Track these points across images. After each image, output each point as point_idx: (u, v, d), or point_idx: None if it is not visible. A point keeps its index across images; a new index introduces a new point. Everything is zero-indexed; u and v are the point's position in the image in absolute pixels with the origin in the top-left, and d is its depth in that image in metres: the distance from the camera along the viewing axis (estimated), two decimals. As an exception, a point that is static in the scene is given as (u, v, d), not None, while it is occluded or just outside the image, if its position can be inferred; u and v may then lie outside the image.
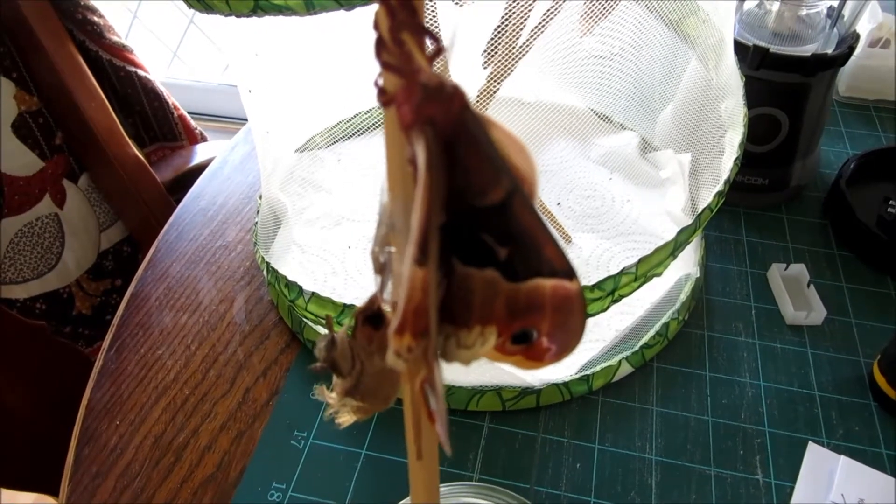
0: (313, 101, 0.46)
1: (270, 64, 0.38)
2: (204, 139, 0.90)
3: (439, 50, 0.13)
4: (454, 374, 0.42)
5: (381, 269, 0.16)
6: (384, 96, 0.13)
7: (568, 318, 0.16)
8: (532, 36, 0.42)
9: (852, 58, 0.52)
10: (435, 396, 0.16)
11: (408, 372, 0.19)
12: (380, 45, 0.13)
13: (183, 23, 1.81)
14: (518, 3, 0.40)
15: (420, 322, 0.14)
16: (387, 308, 0.17)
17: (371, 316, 0.17)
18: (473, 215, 0.15)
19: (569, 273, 0.15)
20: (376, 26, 0.13)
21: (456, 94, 0.13)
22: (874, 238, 0.51)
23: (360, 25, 0.23)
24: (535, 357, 0.17)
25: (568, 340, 0.16)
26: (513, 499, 0.28)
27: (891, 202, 0.53)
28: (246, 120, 0.47)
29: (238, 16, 0.29)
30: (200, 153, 0.86)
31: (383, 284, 0.17)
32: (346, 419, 0.19)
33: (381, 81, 0.13)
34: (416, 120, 0.13)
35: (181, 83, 1.77)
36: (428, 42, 0.13)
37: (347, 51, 0.39)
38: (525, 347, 0.16)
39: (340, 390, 0.18)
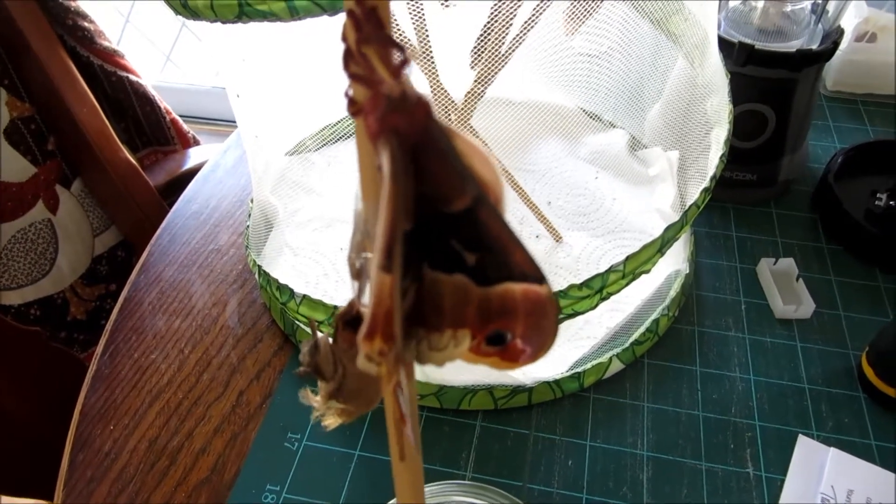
0: (302, 105, 0.46)
1: (257, 69, 0.38)
2: (197, 143, 0.90)
3: (405, 61, 0.13)
4: (446, 373, 0.42)
5: (358, 274, 0.17)
6: (353, 106, 0.14)
7: (541, 321, 0.16)
8: (519, 36, 0.42)
9: (839, 52, 0.52)
10: (404, 400, 0.16)
11: (386, 375, 0.19)
12: (347, 57, 0.13)
13: (176, 26, 1.80)
14: (504, 4, 0.41)
15: (389, 326, 0.14)
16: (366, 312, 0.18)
17: (350, 320, 0.18)
18: (442, 222, 0.15)
19: (539, 278, 0.16)
20: (344, 38, 0.13)
21: (419, 105, 0.13)
22: (862, 231, 0.51)
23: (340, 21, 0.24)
24: (511, 358, 0.17)
25: (542, 342, 0.17)
26: (503, 497, 0.28)
27: (878, 195, 0.53)
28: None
29: (224, 22, 0.29)
30: (193, 157, 0.86)
31: (361, 290, 0.17)
32: (331, 422, 0.19)
33: (350, 92, 0.14)
34: (381, 129, 0.13)
35: (174, 86, 1.77)
36: (396, 53, 0.13)
37: (333, 55, 0.40)
38: (500, 349, 0.17)
39: (324, 393, 0.19)
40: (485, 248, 0.15)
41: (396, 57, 0.13)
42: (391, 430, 0.21)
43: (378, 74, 0.13)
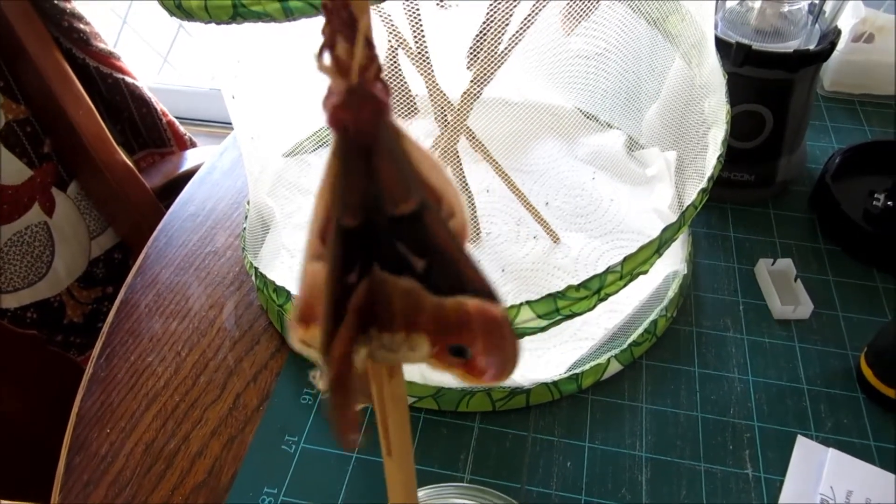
0: (298, 106, 0.46)
1: (253, 70, 0.38)
2: (193, 145, 0.90)
3: (372, 58, 0.13)
4: (444, 375, 0.42)
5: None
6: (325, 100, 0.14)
7: (501, 343, 0.16)
8: (516, 35, 0.42)
9: (836, 53, 0.52)
10: (336, 391, 0.16)
11: (372, 371, 0.19)
12: (320, 50, 0.13)
13: (172, 28, 1.80)
14: (500, 4, 0.41)
15: (314, 314, 0.15)
16: None
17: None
18: (390, 223, 0.15)
19: (491, 296, 0.16)
20: (322, 31, 0.13)
21: (368, 104, 0.13)
22: (860, 231, 0.51)
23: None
24: (474, 374, 0.17)
25: (503, 364, 0.17)
26: (499, 499, 0.28)
27: (876, 195, 0.53)
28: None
29: (218, 23, 0.29)
30: (190, 159, 0.86)
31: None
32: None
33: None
34: (330, 123, 0.14)
35: (171, 88, 1.77)
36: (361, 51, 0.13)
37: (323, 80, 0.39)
38: (464, 362, 0.17)
39: (325, 383, 0.19)
40: (432, 254, 0.15)
41: (361, 54, 0.13)
42: (379, 425, 0.21)
43: (339, 69, 0.13)
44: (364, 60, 0.13)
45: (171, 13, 0.32)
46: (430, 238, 0.15)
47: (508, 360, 0.17)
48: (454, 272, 0.16)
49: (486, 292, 0.16)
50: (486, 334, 0.16)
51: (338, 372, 0.16)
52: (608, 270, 0.37)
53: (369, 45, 0.14)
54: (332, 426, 0.17)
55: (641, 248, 0.38)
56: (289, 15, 0.26)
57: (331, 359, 0.16)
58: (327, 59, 0.14)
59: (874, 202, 0.53)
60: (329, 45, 0.13)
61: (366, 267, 0.16)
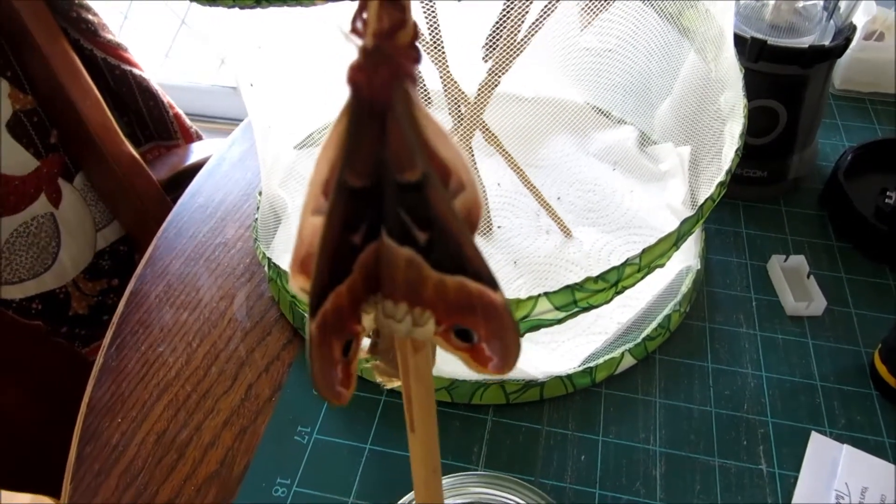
0: (314, 96, 0.46)
1: (272, 57, 0.38)
2: (199, 138, 0.90)
3: (403, 22, 0.13)
4: (457, 367, 0.42)
5: None
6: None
7: (501, 331, 0.16)
8: (532, 29, 0.42)
9: (847, 51, 0.52)
10: (319, 342, 0.17)
11: (398, 345, 0.19)
12: (355, 16, 0.13)
13: (174, 24, 1.80)
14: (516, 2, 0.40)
15: (308, 266, 0.15)
16: None
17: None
18: (397, 189, 0.15)
19: (491, 282, 0.16)
20: None
21: (384, 67, 0.13)
22: (872, 229, 0.51)
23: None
24: (480, 361, 0.17)
25: (506, 355, 0.17)
26: (522, 487, 0.28)
27: (888, 193, 0.53)
28: (239, 120, 0.46)
29: (242, 7, 0.28)
30: (196, 152, 0.86)
31: None
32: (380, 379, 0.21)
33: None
34: (347, 81, 0.14)
35: (174, 84, 1.77)
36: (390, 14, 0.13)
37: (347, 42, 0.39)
38: (469, 346, 0.17)
39: (365, 348, 0.20)
40: (433, 229, 0.15)
41: (387, 18, 0.13)
42: (404, 400, 0.21)
43: (366, 28, 0.13)
44: (390, 24, 0.13)
45: (192, -2, 0.32)
46: (433, 211, 0.15)
47: (510, 351, 0.17)
48: (455, 250, 0.15)
49: (486, 277, 0.16)
50: (486, 321, 0.16)
51: (323, 323, 0.16)
52: (626, 263, 0.37)
53: (402, 9, 0.13)
54: (313, 381, 0.17)
55: (660, 241, 0.37)
56: (316, -2, 0.26)
57: (321, 310, 0.16)
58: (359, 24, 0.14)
59: (886, 200, 0.53)
60: (360, 9, 0.13)
61: (374, 229, 0.16)
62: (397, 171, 0.15)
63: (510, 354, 0.17)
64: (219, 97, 1.76)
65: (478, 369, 0.17)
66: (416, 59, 0.14)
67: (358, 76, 0.14)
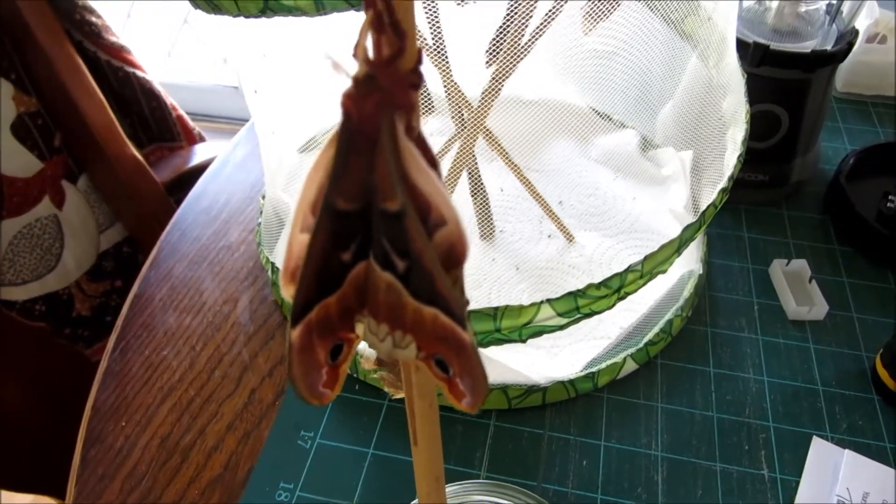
0: (317, 101, 0.46)
1: (277, 64, 0.38)
2: (202, 139, 0.90)
3: (401, 50, 0.13)
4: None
5: None
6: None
7: (471, 370, 0.17)
8: (535, 34, 0.42)
9: (849, 53, 0.52)
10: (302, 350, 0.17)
11: (402, 361, 0.19)
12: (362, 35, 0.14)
13: (177, 23, 1.80)
14: (521, 3, 0.40)
15: (295, 277, 0.16)
16: None
17: None
18: (381, 216, 0.15)
19: (461, 322, 0.16)
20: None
21: (373, 96, 0.14)
22: (874, 233, 0.51)
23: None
24: (455, 395, 0.17)
25: (475, 394, 0.17)
26: (524, 495, 0.28)
27: (890, 197, 0.53)
28: (242, 120, 0.46)
29: (246, 16, 0.29)
30: (199, 153, 0.86)
31: None
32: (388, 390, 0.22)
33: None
34: (342, 107, 0.14)
35: (177, 83, 1.77)
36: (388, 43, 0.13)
37: (349, 48, 0.39)
38: (447, 378, 0.17)
39: (373, 359, 0.20)
40: (410, 259, 0.16)
41: (387, 46, 0.13)
42: (408, 414, 0.21)
43: (362, 57, 0.13)
44: (389, 52, 0.14)
45: (196, 5, 0.32)
46: (409, 243, 0.15)
47: (478, 391, 0.17)
48: (429, 285, 0.16)
49: (457, 316, 0.16)
50: (458, 357, 0.17)
51: (307, 331, 0.17)
52: (629, 269, 0.37)
53: (401, 36, 0.14)
54: (292, 382, 0.18)
55: (662, 247, 0.38)
56: (321, 9, 0.26)
57: (306, 319, 0.17)
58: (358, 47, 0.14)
59: (888, 203, 0.53)
60: (362, 37, 0.14)
61: (365, 248, 0.16)
62: (381, 198, 0.15)
63: (478, 394, 0.17)
64: (221, 96, 1.76)
65: (453, 402, 0.17)
66: (416, 85, 0.14)
67: (348, 104, 0.14)
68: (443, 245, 0.15)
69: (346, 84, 0.14)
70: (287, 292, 0.17)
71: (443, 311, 0.16)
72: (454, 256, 0.16)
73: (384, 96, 0.14)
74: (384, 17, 0.13)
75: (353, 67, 0.14)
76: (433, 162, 0.15)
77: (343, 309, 0.17)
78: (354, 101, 0.14)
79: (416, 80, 0.14)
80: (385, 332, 0.17)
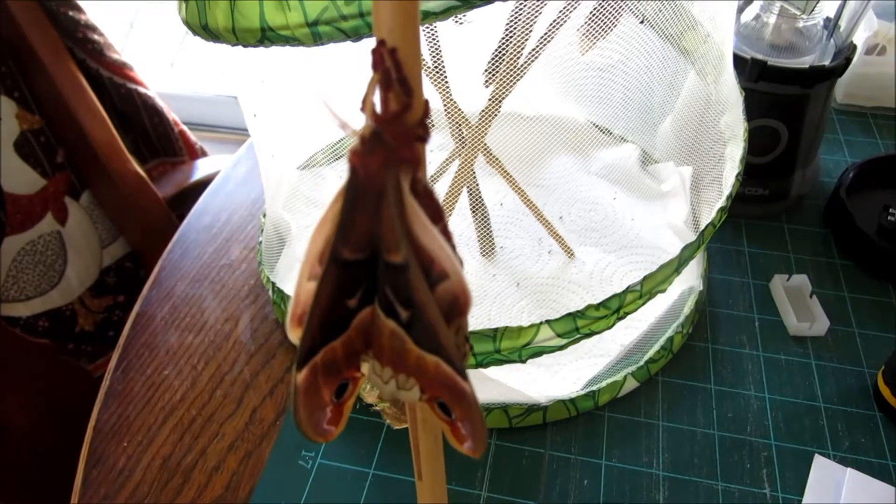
0: (316, 120, 0.46)
1: (275, 89, 0.38)
2: (204, 154, 0.91)
3: (407, 106, 0.14)
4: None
5: None
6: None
7: (471, 417, 0.17)
8: (533, 54, 0.42)
9: (847, 68, 0.52)
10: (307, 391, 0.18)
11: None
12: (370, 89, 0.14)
13: (179, 34, 1.81)
14: (520, 22, 0.41)
15: (302, 320, 0.17)
16: None
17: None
18: (385, 267, 0.16)
19: (461, 371, 0.16)
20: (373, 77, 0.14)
21: (378, 153, 0.14)
22: (875, 247, 0.51)
23: (363, 46, 0.24)
24: (458, 438, 0.18)
25: (476, 440, 0.17)
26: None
27: (890, 210, 0.53)
28: (245, 130, 0.47)
29: (245, 45, 0.29)
30: (201, 168, 0.86)
31: None
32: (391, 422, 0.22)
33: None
34: (349, 162, 0.14)
35: (179, 94, 1.77)
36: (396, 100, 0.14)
37: (348, 70, 0.40)
38: (450, 421, 0.18)
39: (375, 394, 0.21)
40: (413, 309, 0.16)
41: (394, 102, 0.14)
42: (412, 449, 0.21)
43: (369, 114, 0.14)
44: (397, 108, 0.14)
45: (195, 33, 0.32)
46: (412, 293, 0.16)
47: (479, 438, 0.17)
48: (432, 335, 0.16)
49: (457, 367, 0.17)
50: (458, 405, 0.17)
51: (313, 374, 0.17)
52: (628, 290, 0.37)
53: (409, 93, 0.14)
54: (298, 424, 0.18)
55: (661, 268, 0.38)
56: (317, 40, 0.26)
57: (311, 362, 0.17)
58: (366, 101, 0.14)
59: (889, 217, 0.53)
60: (370, 92, 0.14)
61: (371, 294, 0.17)
62: (386, 250, 0.15)
63: (479, 441, 0.18)
64: (224, 106, 1.77)
65: (456, 445, 0.18)
66: (423, 138, 0.14)
67: (354, 160, 0.14)
68: (446, 297, 0.16)
69: (338, 98, 0.15)
70: (293, 336, 0.18)
71: (445, 359, 0.16)
72: (457, 308, 0.16)
73: (389, 154, 0.14)
74: (392, 74, 0.13)
75: (353, 107, 0.15)
76: (438, 212, 0.16)
77: (348, 351, 0.18)
78: (361, 158, 0.14)
79: (422, 134, 0.14)
80: (389, 375, 0.18)
